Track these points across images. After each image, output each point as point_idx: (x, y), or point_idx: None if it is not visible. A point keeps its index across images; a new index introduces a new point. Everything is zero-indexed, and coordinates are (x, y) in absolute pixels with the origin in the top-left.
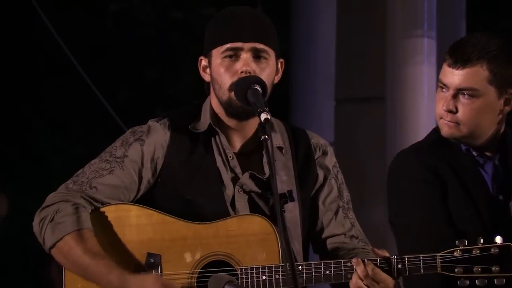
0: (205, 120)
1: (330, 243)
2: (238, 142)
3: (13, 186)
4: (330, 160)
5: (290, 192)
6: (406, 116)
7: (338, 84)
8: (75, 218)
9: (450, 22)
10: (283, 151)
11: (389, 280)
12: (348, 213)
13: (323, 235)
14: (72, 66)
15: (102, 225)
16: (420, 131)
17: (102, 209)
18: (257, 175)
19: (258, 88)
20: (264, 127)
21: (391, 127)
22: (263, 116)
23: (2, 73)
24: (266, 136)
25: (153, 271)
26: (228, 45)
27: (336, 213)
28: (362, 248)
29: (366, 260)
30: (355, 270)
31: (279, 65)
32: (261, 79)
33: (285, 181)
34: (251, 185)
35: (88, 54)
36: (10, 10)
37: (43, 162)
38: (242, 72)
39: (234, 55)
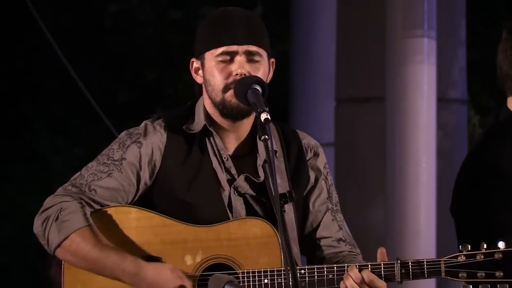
0: (199, 121)
1: (318, 246)
2: (232, 144)
3: (13, 186)
4: (321, 161)
5: (290, 192)
6: (406, 116)
7: (338, 84)
8: (81, 215)
9: (450, 22)
10: (277, 154)
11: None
12: (336, 215)
13: (311, 237)
14: (72, 66)
15: (102, 227)
16: (420, 131)
17: (102, 211)
18: (252, 178)
19: (258, 88)
20: (264, 127)
21: (390, 127)
22: (264, 116)
23: (2, 73)
24: (267, 136)
25: None
26: (223, 48)
27: (325, 215)
28: (349, 251)
29: (359, 266)
30: (350, 275)
31: (270, 65)
32: (261, 79)
33: (279, 184)
34: (246, 187)
35: (88, 54)
36: (10, 10)
37: (43, 162)
38: (237, 74)
39: (229, 58)
